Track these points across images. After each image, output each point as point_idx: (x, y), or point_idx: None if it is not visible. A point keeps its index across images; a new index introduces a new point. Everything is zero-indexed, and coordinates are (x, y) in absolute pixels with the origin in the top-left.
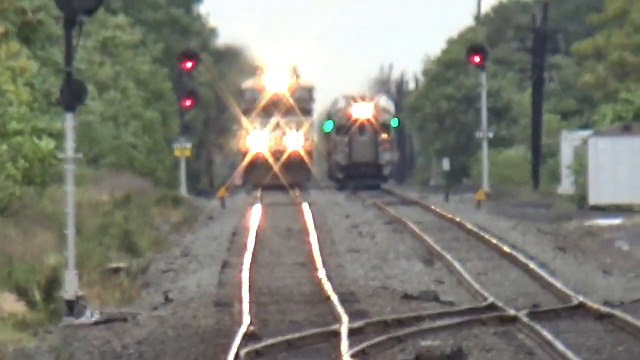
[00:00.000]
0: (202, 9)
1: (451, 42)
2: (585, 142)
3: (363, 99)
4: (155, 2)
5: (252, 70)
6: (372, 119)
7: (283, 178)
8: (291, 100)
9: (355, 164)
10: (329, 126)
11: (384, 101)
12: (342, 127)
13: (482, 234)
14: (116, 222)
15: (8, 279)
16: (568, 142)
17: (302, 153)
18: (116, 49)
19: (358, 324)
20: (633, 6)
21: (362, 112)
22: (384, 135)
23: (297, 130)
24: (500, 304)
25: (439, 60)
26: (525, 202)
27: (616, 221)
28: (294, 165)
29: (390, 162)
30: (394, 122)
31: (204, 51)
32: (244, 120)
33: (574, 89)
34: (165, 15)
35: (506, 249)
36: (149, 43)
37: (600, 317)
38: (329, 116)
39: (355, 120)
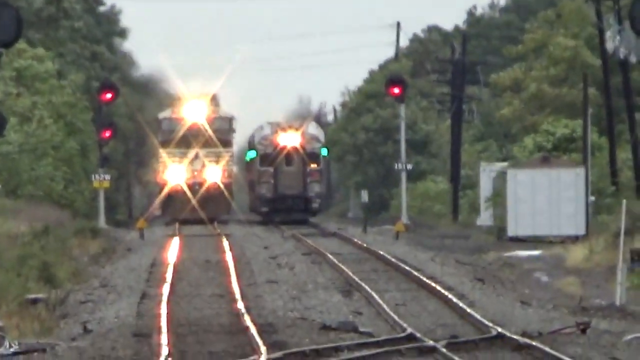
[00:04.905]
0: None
1: (374, 74)
2: (503, 173)
3: (290, 126)
4: (75, 36)
5: (171, 101)
6: (300, 148)
7: (202, 211)
8: (210, 131)
9: (281, 197)
10: (251, 155)
11: (313, 128)
12: (267, 156)
13: (400, 265)
14: (35, 253)
15: None
16: (487, 173)
17: (222, 186)
18: (32, 80)
19: (276, 355)
20: (551, 39)
21: (289, 140)
22: (313, 165)
23: (217, 162)
24: (418, 334)
25: (361, 91)
26: (444, 234)
27: (535, 252)
28: (213, 198)
29: (319, 195)
30: (324, 151)
31: (124, 83)
32: (162, 151)
33: (495, 123)
34: (84, 48)
35: (425, 280)
36: (68, 75)
37: (519, 348)
38: (251, 145)
39: (282, 149)
